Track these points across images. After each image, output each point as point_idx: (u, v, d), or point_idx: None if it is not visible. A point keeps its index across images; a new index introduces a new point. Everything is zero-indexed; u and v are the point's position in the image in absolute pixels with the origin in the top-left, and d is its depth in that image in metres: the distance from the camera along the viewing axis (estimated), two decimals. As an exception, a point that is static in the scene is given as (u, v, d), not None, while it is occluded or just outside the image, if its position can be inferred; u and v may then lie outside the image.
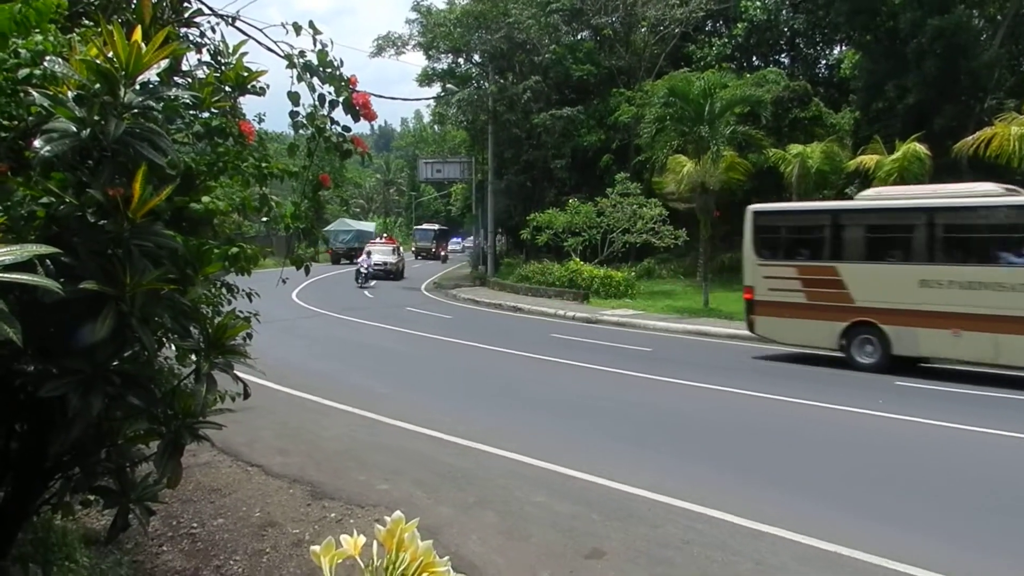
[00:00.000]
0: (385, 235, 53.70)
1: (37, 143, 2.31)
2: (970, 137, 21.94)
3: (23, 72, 2.61)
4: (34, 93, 2.49)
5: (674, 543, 5.73)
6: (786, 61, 42.91)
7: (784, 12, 39.69)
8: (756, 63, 41.17)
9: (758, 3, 39.27)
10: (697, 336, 18.91)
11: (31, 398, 2.60)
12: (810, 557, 5.53)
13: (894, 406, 10.55)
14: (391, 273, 38.48)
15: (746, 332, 18.24)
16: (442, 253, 63.38)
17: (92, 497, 3.34)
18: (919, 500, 6.92)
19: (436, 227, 73.10)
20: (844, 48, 39.66)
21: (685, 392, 11.91)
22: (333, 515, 6.12)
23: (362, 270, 33.79)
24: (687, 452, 8.41)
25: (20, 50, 2.68)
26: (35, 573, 3.83)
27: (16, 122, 2.71)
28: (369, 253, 37.53)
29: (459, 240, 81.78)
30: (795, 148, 27.55)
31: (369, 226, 73.43)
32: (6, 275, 1.80)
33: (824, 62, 42.90)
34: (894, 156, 23.62)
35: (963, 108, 27.60)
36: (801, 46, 42.57)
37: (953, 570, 5.32)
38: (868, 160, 24.76)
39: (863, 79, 31.78)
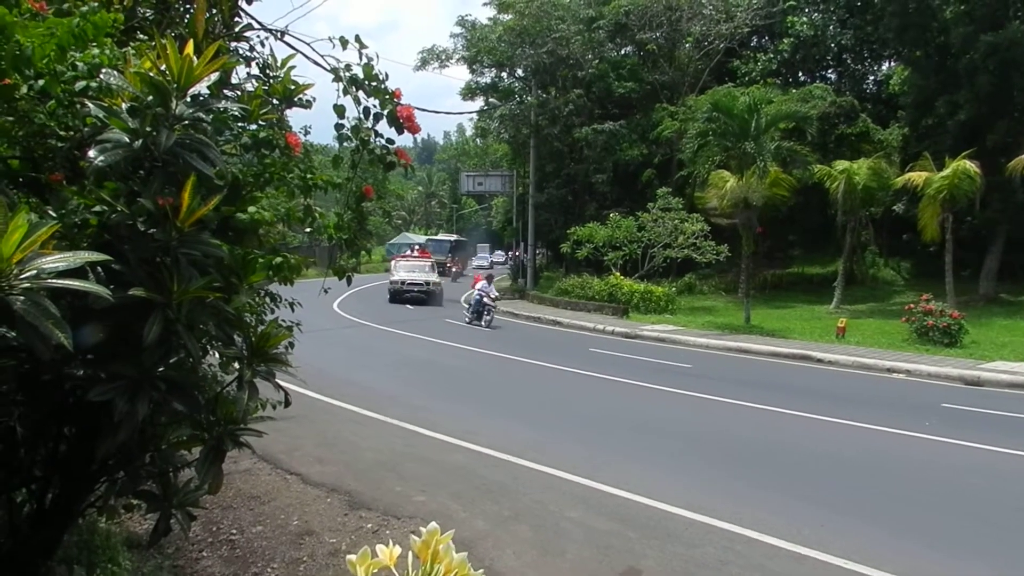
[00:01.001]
0: (418, 247, 45.68)
1: (92, 153, 2.37)
2: (1024, 155, 21.41)
3: (80, 84, 2.69)
4: (90, 104, 2.57)
5: (711, 563, 5.64)
6: (833, 77, 42.35)
7: (831, 28, 39.20)
8: (802, 79, 40.70)
9: (805, 19, 38.86)
10: (738, 353, 18.66)
11: (79, 402, 2.67)
12: (853, 582, 5.40)
13: (942, 429, 10.28)
14: (430, 295, 31.05)
15: (788, 350, 18.02)
16: (453, 269, 50.88)
17: (135, 501, 3.41)
18: (968, 525, 6.70)
19: (452, 238, 63.06)
20: (893, 64, 39.03)
21: (725, 410, 11.75)
22: (370, 525, 6.14)
23: (486, 300, 23.39)
24: (727, 471, 8.28)
25: (78, 63, 2.77)
26: (80, 574, 3.91)
27: (72, 132, 2.80)
28: (454, 269, 33.00)
29: (486, 256, 74.05)
30: (841, 164, 27.11)
31: (421, 239, 73.73)
32: (59, 281, 1.86)
33: (872, 78, 42.26)
34: (943, 173, 23.11)
35: (1017, 125, 26.90)
36: (849, 62, 41.99)
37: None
38: (916, 177, 24.27)
39: (912, 95, 31.19)
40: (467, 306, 23.51)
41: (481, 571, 1.03)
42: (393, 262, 34.96)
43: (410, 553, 1.04)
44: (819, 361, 17.06)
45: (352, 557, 1.02)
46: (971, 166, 22.62)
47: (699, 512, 6.68)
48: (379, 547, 1.02)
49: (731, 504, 6.93)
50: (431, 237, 63.88)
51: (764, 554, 5.85)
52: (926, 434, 10.00)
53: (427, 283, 31.08)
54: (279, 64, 3.78)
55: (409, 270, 32.08)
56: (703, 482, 7.79)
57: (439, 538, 1.02)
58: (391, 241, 62.34)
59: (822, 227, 32.93)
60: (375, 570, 1.02)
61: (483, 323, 23.22)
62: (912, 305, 20.03)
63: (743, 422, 10.96)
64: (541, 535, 6.11)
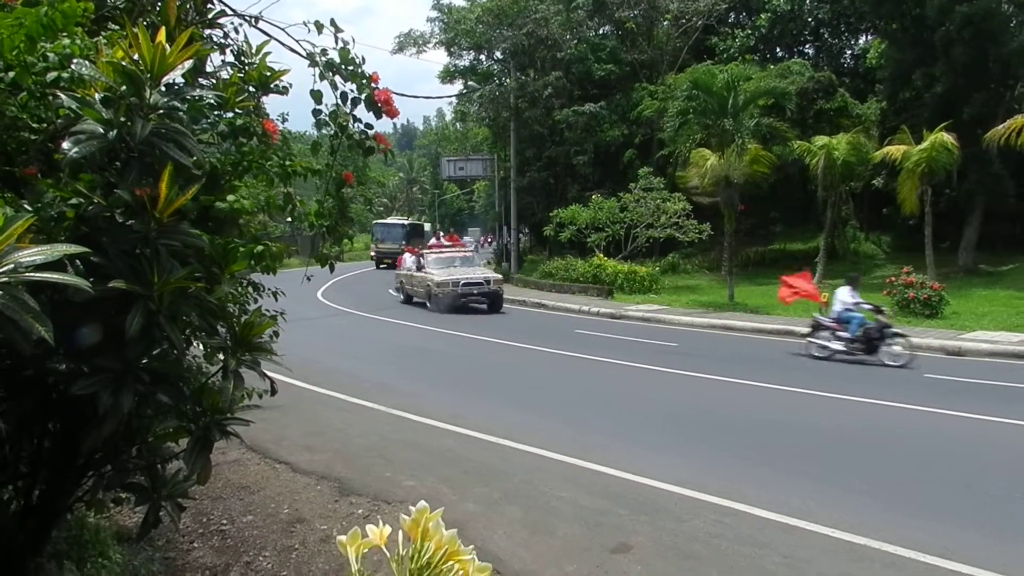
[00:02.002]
0: (443, 233, 35.47)
1: (66, 145, 2.34)
2: (1000, 126, 21.52)
3: (51, 75, 2.65)
4: (62, 96, 2.53)
5: (701, 537, 5.70)
6: (810, 52, 42.50)
7: (808, 2, 39.27)
8: (780, 54, 40.80)
9: (781, -7, 38.88)
10: (722, 331, 18.77)
11: (63, 396, 2.65)
12: (840, 550, 5.47)
13: (925, 399, 10.40)
14: (494, 299, 23.01)
15: (772, 326, 18.14)
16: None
17: (124, 494, 3.40)
18: (952, 492, 6.81)
19: (406, 222, 51.10)
20: (870, 37, 39.16)
21: (710, 387, 11.84)
22: (360, 511, 6.16)
23: (882, 318, 13.84)
24: (714, 446, 8.36)
25: (48, 54, 2.72)
26: (70, 570, 3.90)
27: (45, 125, 2.76)
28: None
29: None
30: (820, 139, 27.19)
31: (427, 226, 72.14)
32: (38, 275, 1.83)
33: (849, 52, 42.42)
34: (922, 146, 23.24)
35: (993, 96, 27.08)
36: (826, 36, 42.10)
37: (991, 564, 5.24)
38: (895, 151, 24.39)
39: (889, 68, 31.31)
40: (834, 330, 14.10)
41: (471, 547, 1.04)
42: (413, 258, 25.85)
43: (400, 532, 1.05)
44: (803, 336, 17.16)
45: (343, 538, 1.03)
46: (948, 138, 22.77)
47: (688, 488, 6.74)
48: (369, 527, 1.03)
49: (720, 479, 7.00)
50: (378, 221, 49.28)
51: (753, 526, 5.92)
52: (909, 404, 10.13)
53: (487, 281, 22.95)
54: (254, 51, 3.74)
55: (449, 264, 23.92)
56: (691, 458, 7.86)
57: (428, 516, 1.03)
58: (377, 221, 56.85)
59: (803, 203, 33.14)
60: (366, 550, 1.02)
61: (883, 358, 13.38)
62: (893, 278, 20.20)
63: (729, 398, 11.05)
64: (531, 515, 6.15)
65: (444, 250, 25.98)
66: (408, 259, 26.30)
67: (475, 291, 22.55)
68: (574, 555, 5.43)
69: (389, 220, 50.07)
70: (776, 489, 6.76)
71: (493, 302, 22.99)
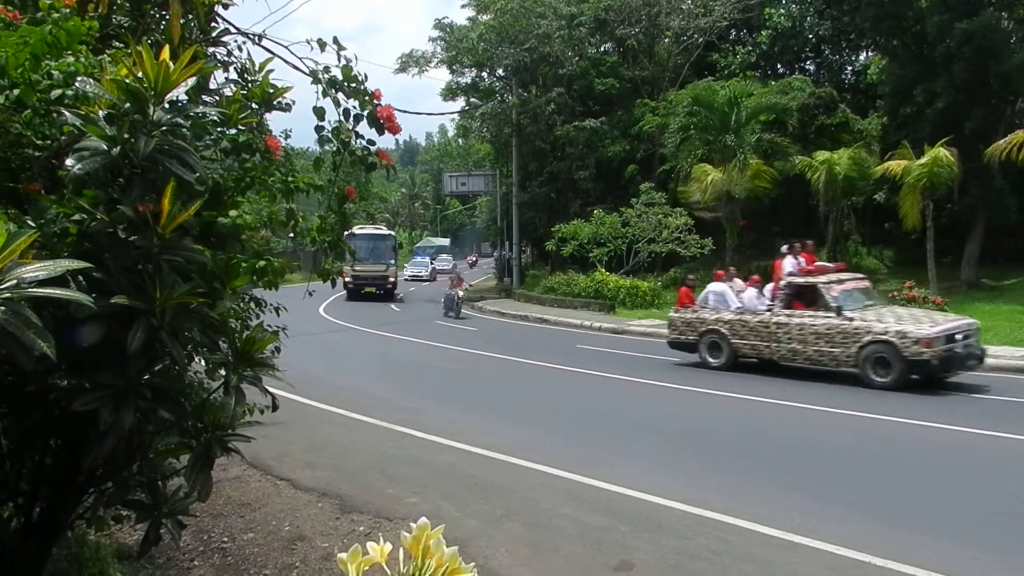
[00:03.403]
0: (798, 244, 18.36)
1: (69, 161, 2.35)
2: (1002, 141, 21.56)
3: (56, 93, 2.67)
4: (66, 113, 2.55)
5: (704, 555, 5.66)
6: (811, 68, 42.63)
7: (809, 19, 39.45)
8: (781, 71, 40.95)
9: (782, 10, 39.09)
10: (725, 346, 18.69)
11: (64, 413, 2.64)
12: (843, 568, 5.43)
13: (929, 415, 10.36)
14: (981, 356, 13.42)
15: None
16: (454, 291, 27.49)
17: (124, 511, 3.38)
18: (956, 508, 6.76)
19: (386, 232, 39.41)
20: (870, 54, 39.29)
21: (713, 402, 11.80)
22: (362, 528, 6.13)
23: None
24: (717, 463, 8.31)
25: (53, 71, 2.74)
26: (70, 587, 3.88)
27: (49, 141, 2.77)
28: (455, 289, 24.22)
29: (425, 261, 56.17)
30: (822, 155, 27.28)
31: (444, 241, 73.01)
32: (40, 290, 1.84)
33: (850, 68, 42.49)
34: (922, 161, 23.28)
35: (993, 111, 27.13)
36: (827, 52, 42.24)
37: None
38: (896, 166, 24.43)
39: (890, 84, 31.41)
40: None
41: (472, 564, 1.03)
42: (752, 290, 16.31)
43: (401, 550, 1.04)
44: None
45: (343, 555, 1.02)
46: (947, 154, 22.80)
47: (691, 504, 6.70)
48: (370, 544, 1.02)
49: (723, 495, 6.96)
50: (357, 231, 32.29)
51: (756, 543, 5.88)
52: (912, 419, 10.08)
53: (972, 329, 13.62)
54: (257, 68, 3.76)
55: (858, 301, 14.05)
56: (694, 474, 7.82)
57: (430, 533, 1.03)
58: (416, 245, 60.54)
59: (805, 218, 33.09)
60: (367, 567, 1.02)
61: None
62: (895, 293, 20.14)
63: (732, 414, 11.01)
64: (534, 532, 6.12)
65: (843, 280, 14.65)
66: (731, 294, 16.41)
67: (976, 351, 13.40)
68: (576, 573, 5.40)
69: (371, 230, 36.80)
70: (779, 506, 6.72)
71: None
